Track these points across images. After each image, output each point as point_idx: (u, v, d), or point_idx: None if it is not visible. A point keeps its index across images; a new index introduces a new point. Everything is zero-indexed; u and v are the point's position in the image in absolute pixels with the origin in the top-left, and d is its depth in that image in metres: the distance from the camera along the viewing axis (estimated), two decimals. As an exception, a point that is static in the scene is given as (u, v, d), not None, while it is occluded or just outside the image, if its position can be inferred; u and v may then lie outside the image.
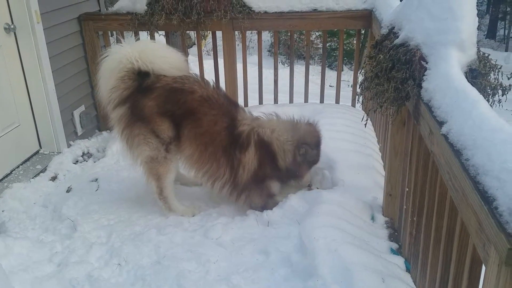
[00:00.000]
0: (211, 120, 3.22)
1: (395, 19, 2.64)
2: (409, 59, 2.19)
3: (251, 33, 11.70)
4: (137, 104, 3.19)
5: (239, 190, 3.36)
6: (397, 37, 2.41)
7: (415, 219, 2.45)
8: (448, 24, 2.09)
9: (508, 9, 19.59)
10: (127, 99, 3.21)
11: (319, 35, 12.64)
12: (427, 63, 2.12)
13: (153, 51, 3.25)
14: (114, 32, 5.17)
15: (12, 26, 3.98)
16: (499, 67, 2.17)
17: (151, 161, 3.27)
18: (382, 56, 2.35)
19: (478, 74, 2.10)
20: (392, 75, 2.26)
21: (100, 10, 5.06)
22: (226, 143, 3.25)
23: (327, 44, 5.99)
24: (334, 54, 12.74)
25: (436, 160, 1.89)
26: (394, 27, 2.59)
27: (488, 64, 2.15)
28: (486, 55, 2.18)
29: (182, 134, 3.25)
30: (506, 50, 18.15)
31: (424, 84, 2.07)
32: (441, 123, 1.77)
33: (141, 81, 3.22)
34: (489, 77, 2.12)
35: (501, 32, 21.56)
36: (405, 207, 2.71)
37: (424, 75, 2.10)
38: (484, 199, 1.34)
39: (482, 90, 2.06)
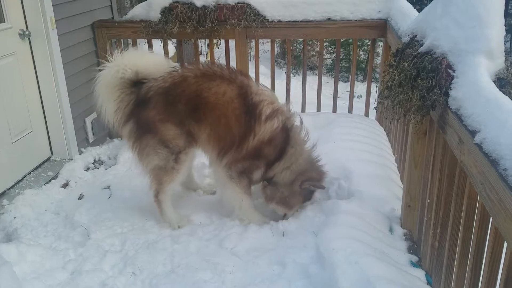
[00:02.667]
0: (216, 91, 3.07)
1: (416, 27, 2.61)
2: (435, 67, 2.16)
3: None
4: (140, 118, 3.14)
5: (241, 157, 3.18)
6: (421, 45, 2.37)
7: (438, 231, 2.39)
8: (476, 32, 2.05)
9: (515, 22, 19.63)
10: (131, 115, 3.17)
11: (326, 46, 12.64)
12: (454, 71, 2.08)
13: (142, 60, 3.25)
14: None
15: (27, 32, 3.98)
16: (526, 76, 2.12)
17: (159, 169, 3.23)
18: (406, 64, 2.31)
19: (507, 83, 2.06)
20: (417, 83, 2.22)
21: (113, 18, 5.07)
22: (240, 112, 3.08)
23: (333, 56, 5.98)
24: (341, 65, 12.74)
25: (466, 170, 1.84)
26: (416, 35, 2.56)
27: (516, 73, 2.11)
28: (513, 63, 2.14)
29: (194, 123, 3.14)
30: (513, 63, 18.09)
31: (451, 93, 2.02)
32: (473, 132, 1.73)
33: (137, 93, 3.16)
34: (518, 86, 2.08)
35: (507, 45, 21.59)
36: (426, 219, 2.65)
37: (451, 83, 2.06)
38: (527, 210, 1.29)
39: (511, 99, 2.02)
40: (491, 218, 1.67)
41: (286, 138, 3.17)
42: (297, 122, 3.26)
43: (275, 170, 3.24)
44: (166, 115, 3.12)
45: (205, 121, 3.12)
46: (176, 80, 3.14)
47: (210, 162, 3.38)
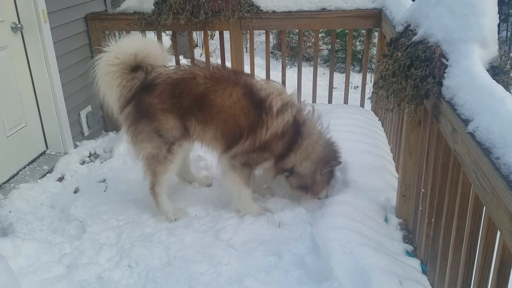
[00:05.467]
0: (222, 94, 3.11)
1: (411, 16, 2.59)
2: (429, 56, 2.15)
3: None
4: (142, 102, 3.15)
5: (251, 150, 3.18)
6: (415, 34, 2.36)
7: (432, 220, 2.40)
8: (470, 20, 2.04)
9: (511, 11, 19.57)
10: (132, 98, 3.18)
11: (322, 36, 12.60)
12: (447, 60, 2.08)
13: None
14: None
15: (19, 25, 3.94)
16: (520, 64, 2.12)
17: (151, 158, 3.23)
18: (400, 54, 2.30)
19: (500, 72, 2.06)
20: (411, 72, 2.21)
21: (106, 10, 5.03)
22: (248, 108, 3.11)
23: (330, 47, 5.95)
24: (337, 56, 12.70)
25: (459, 159, 1.84)
26: (410, 25, 2.55)
27: (509, 61, 2.10)
28: (508, 52, 2.13)
29: (197, 123, 3.17)
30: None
31: (445, 82, 2.02)
32: (466, 121, 1.73)
33: (142, 79, 3.18)
34: (511, 75, 2.07)
35: (503, 34, 21.52)
36: (421, 208, 2.66)
37: (444, 72, 2.06)
38: (519, 198, 1.29)
39: (504, 88, 2.01)
40: (484, 207, 1.67)
41: (298, 131, 3.18)
42: (310, 112, 3.27)
43: (292, 161, 3.25)
44: (168, 106, 3.13)
45: (211, 122, 3.16)
46: (186, 76, 3.16)
47: (217, 157, 3.38)
